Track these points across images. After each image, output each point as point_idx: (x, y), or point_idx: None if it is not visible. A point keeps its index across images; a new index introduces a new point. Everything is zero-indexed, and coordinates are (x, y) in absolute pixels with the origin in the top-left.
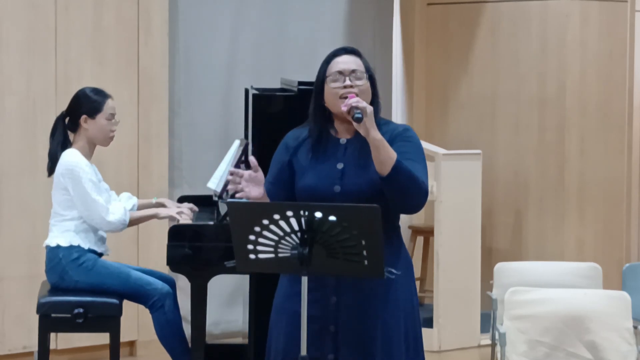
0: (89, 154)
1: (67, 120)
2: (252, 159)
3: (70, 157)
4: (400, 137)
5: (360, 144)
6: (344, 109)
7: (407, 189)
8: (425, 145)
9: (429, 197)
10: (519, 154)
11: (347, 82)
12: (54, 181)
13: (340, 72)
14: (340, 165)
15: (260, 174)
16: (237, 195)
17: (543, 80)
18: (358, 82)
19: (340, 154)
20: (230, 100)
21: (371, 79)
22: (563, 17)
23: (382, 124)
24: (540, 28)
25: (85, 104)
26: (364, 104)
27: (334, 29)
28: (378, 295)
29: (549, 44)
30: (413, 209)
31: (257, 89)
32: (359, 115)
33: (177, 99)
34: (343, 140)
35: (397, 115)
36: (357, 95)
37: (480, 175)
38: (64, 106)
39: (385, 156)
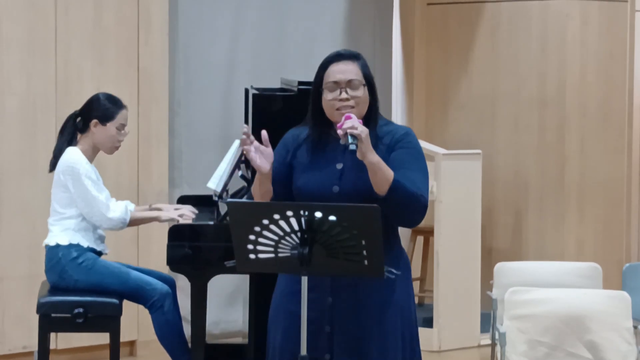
0: (91, 157)
1: (78, 120)
2: (264, 133)
3: (71, 155)
4: (400, 144)
5: None
6: (340, 132)
7: (406, 207)
8: (425, 145)
9: (429, 197)
10: (519, 154)
11: (343, 95)
12: (54, 179)
13: (336, 83)
14: (339, 166)
15: (270, 150)
16: (245, 149)
17: (543, 80)
18: (354, 93)
19: (339, 154)
20: (230, 100)
21: (369, 85)
22: (563, 17)
23: (383, 124)
24: (540, 28)
25: (99, 110)
26: (358, 128)
27: (333, 29)
28: (374, 296)
29: (549, 44)
30: (412, 223)
31: (257, 89)
32: (353, 148)
33: (177, 99)
34: (343, 142)
35: (397, 115)
36: (352, 107)
37: (480, 175)
38: (63, 106)
39: (382, 178)
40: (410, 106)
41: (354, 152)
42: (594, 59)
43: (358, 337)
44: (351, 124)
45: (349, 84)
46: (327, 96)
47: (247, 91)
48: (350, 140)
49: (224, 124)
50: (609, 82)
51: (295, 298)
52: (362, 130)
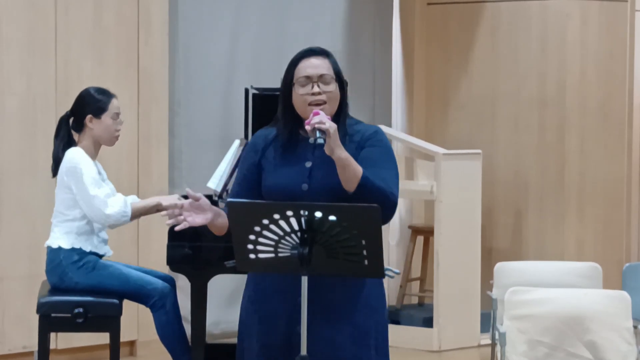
0: (93, 153)
1: (71, 120)
2: (188, 191)
3: (73, 155)
4: (369, 142)
5: None
6: (308, 128)
7: (375, 203)
8: (425, 145)
9: (429, 197)
10: (519, 154)
11: (315, 89)
12: (58, 179)
13: (308, 77)
14: (308, 164)
15: (204, 200)
16: (177, 228)
17: (543, 80)
18: (326, 88)
19: (309, 153)
20: (230, 100)
21: (340, 82)
22: (563, 17)
23: (353, 123)
24: (540, 28)
25: (91, 104)
26: (327, 124)
27: (333, 29)
28: (346, 296)
29: (549, 43)
30: (382, 221)
31: (257, 89)
32: (321, 142)
33: (177, 99)
34: (312, 140)
35: (397, 115)
36: (324, 102)
37: (480, 175)
38: (63, 106)
39: (350, 174)
40: (410, 106)
41: (322, 146)
42: (594, 59)
43: (332, 338)
44: (319, 119)
45: (321, 78)
46: (299, 91)
47: (247, 91)
48: (318, 135)
49: (224, 124)
50: (609, 82)
51: (266, 299)
52: (331, 126)
